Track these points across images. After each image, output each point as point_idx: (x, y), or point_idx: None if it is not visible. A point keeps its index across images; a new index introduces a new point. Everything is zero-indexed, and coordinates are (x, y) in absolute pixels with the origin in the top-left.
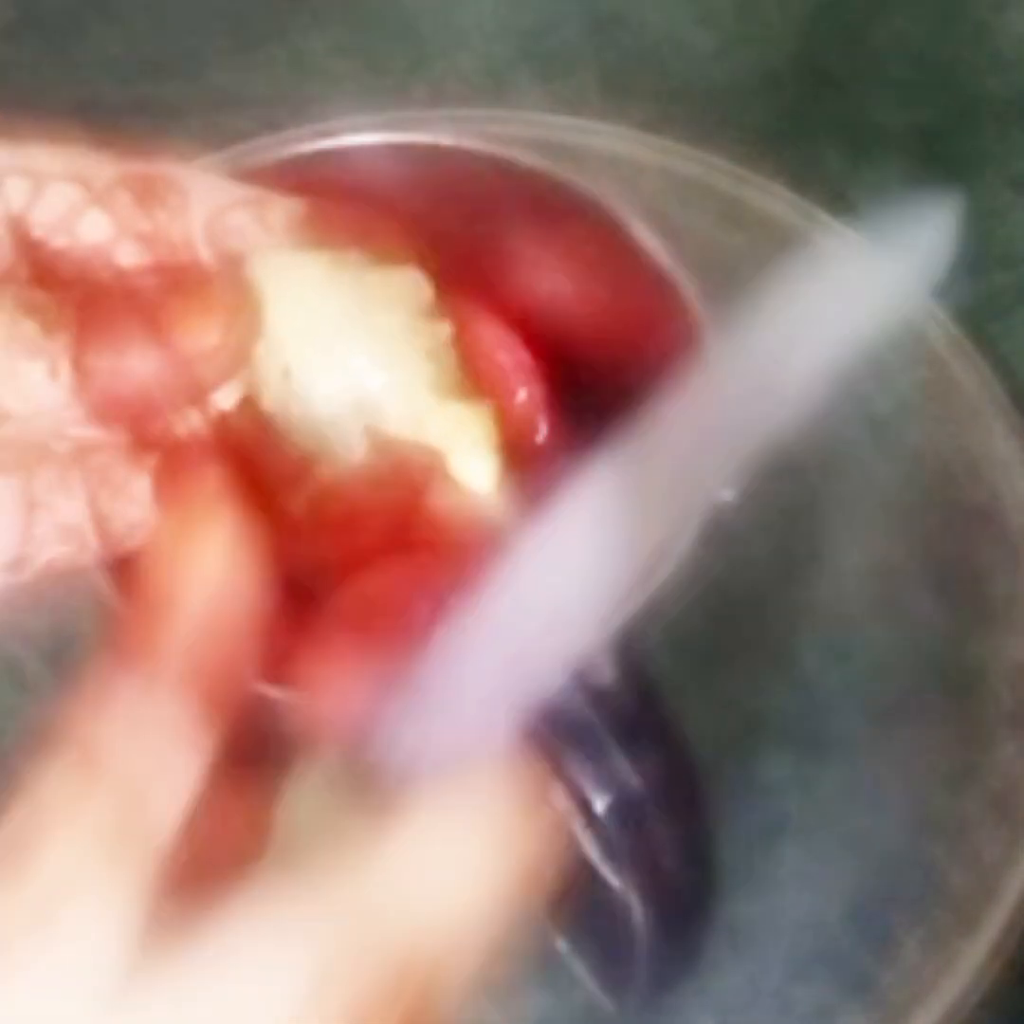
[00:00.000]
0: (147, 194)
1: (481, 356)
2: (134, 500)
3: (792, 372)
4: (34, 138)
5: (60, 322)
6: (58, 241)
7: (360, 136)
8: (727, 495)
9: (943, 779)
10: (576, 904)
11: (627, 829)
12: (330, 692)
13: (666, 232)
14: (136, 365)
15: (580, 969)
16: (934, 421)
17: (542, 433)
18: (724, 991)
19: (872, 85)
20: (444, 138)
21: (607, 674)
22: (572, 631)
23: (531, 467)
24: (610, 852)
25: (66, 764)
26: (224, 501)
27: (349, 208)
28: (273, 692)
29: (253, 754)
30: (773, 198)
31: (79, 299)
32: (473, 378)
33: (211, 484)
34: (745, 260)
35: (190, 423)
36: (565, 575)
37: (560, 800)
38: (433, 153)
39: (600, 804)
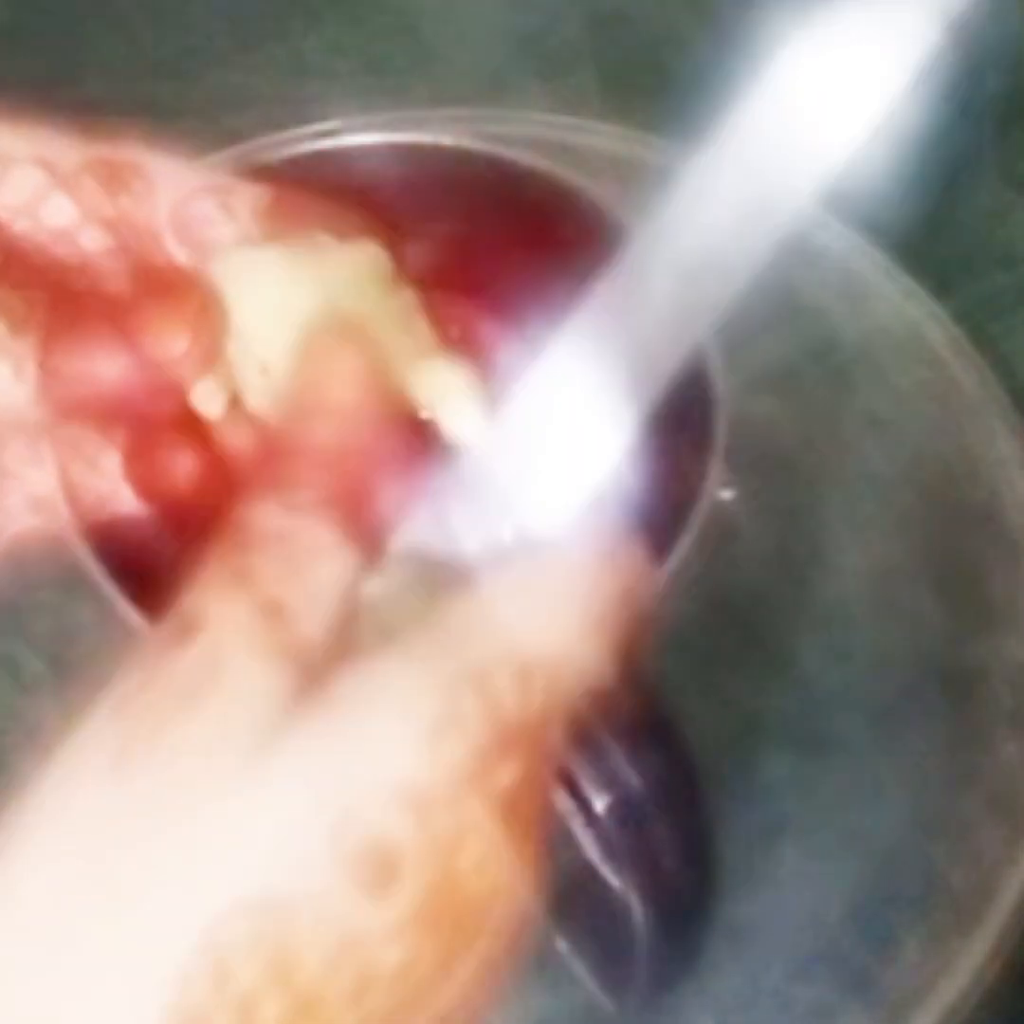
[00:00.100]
0: (112, 180)
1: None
2: (105, 474)
3: (779, 198)
4: None
5: (28, 322)
6: (21, 224)
7: (360, 136)
8: (727, 495)
9: (943, 779)
10: (576, 904)
11: (627, 829)
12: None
13: None
14: (103, 369)
15: (580, 969)
16: (934, 421)
17: None
18: (724, 991)
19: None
20: (444, 138)
21: (607, 674)
22: (586, 452)
23: None
24: (610, 852)
25: (217, 573)
26: (353, 338)
27: (313, 195)
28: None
29: None
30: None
31: (48, 299)
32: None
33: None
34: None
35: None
36: (571, 395)
37: (560, 800)
38: (433, 153)
39: (600, 804)
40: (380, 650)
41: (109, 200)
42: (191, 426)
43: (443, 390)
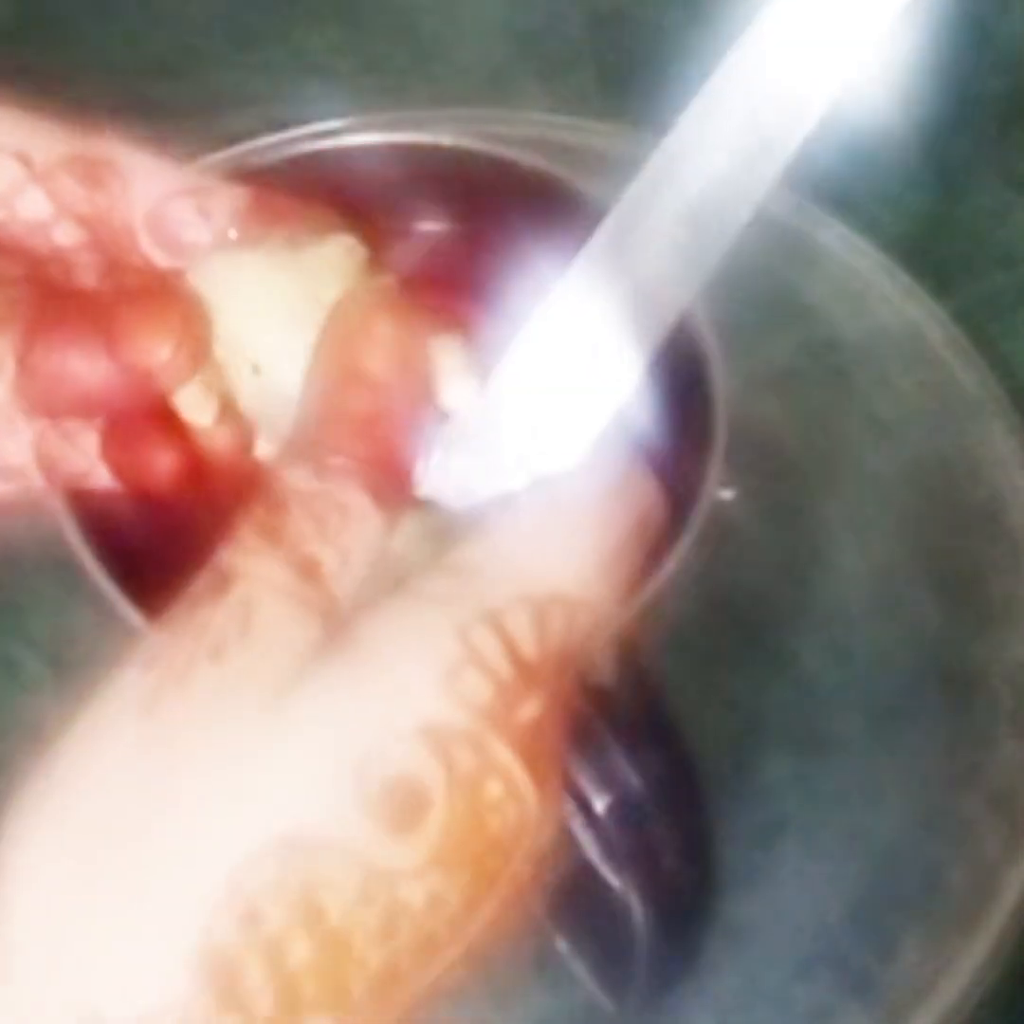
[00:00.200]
0: (88, 178)
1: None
2: (82, 451)
3: (776, 140)
4: None
5: (9, 319)
6: None
7: (360, 136)
8: (728, 494)
9: (943, 778)
10: (576, 904)
11: (627, 829)
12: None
13: None
14: (83, 371)
15: (580, 969)
16: (934, 421)
17: None
18: (723, 991)
19: (872, 84)
20: (444, 138)
21: (607, 674)
22: (594, 391)
23: None
24: (610, 852)
25: (251, 532)
26: (390, 302)
27: (290, 195)
28: None
29: None
30: (773, 198)
31: (31, 298)
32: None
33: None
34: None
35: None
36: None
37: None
38: (433, 153)
39: (600, 804)
40: (398, 595)
41: (84, 197)
42: (168, 421)
43: (436, 368)
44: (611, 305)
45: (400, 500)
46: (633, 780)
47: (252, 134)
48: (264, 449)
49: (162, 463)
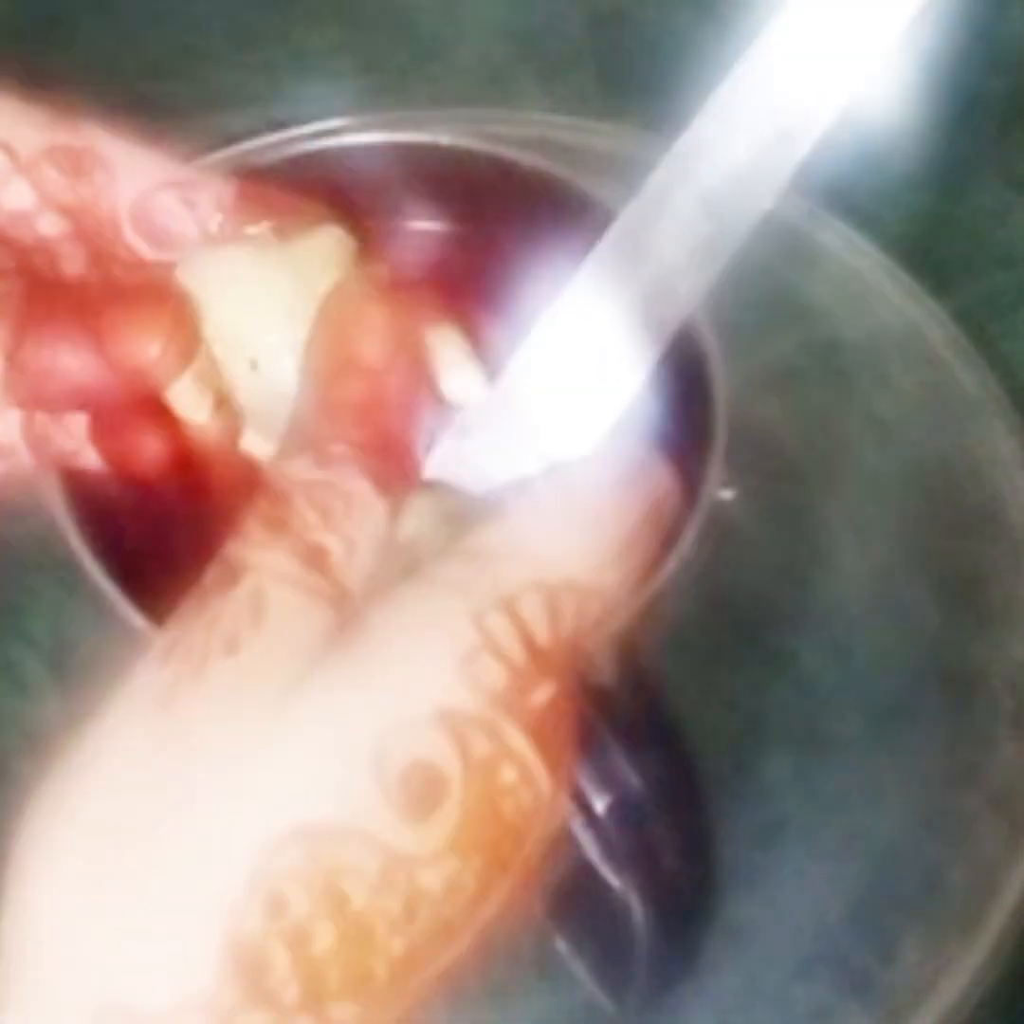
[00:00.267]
0: (72, 169)
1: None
2: (70, 433)
3: (794, 135)
4: None
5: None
6: None
7: (359, 135)
8: (727, 494)
9: (943, 778)
10: (576, 904)
11: (627, 829)
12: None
13: None
14: (71, 368)
15: (580, 969)
16: (934, 421)
17: None
18: (723, 991)
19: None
20: (444, 137)
21: (607, 674)
22: (608, 380)
23: None
24: (610, 852)
25: (257, 523)
26: (382, 290)
27: (276, 188)
28: None
29: None
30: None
31: (19, 292)
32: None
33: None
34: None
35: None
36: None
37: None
38: (433, 152)
39: (600, 804)
40: (410, 582)
41: (68, 188)
42: (157, 410)
43: (434, 358)
44: (628, 295)
45: (402, 486)
46: (633, 780)
47: (252, 134)
48: (261, 444)
49: (149, 450)
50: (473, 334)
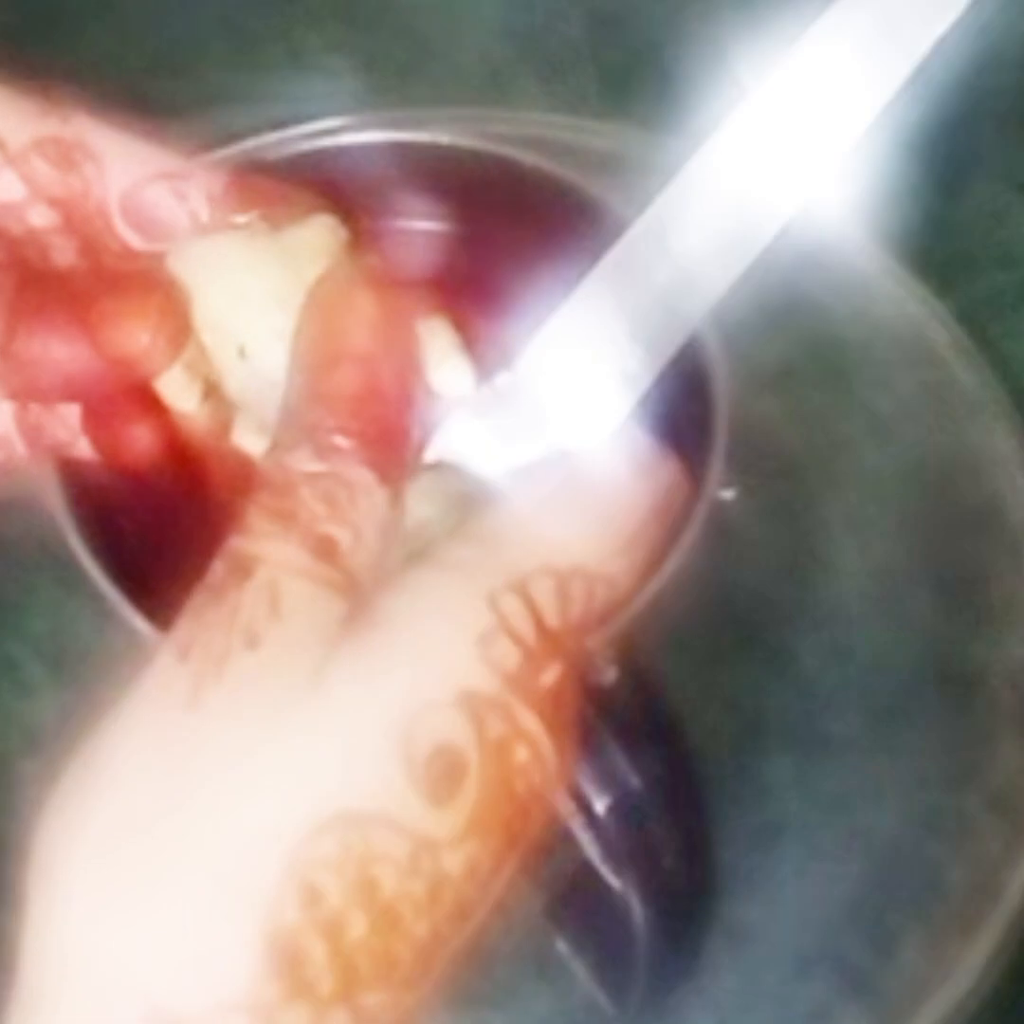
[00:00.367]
0: (62, 161)
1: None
2: (65, 423)
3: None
4: None
5: None
6: None
7: (359, 135)
8: (728, 494)
9: (943, 778)
10: (576, 904)
11: (627, 829)
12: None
13: None
14: (63, 360)
15: (580, 969)
16: (935, 421)
17: None
18: (723, 991)
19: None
20: (443, 137)
21: (607, 674)
22: (618, 371)
23: None
24: (610, 852)
25: (261, 517)
26: (371, 278)
27: (267, 178)
28: None
29: None
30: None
31: (10, 284)
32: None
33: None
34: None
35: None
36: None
37: (560, 800)
38: (433, 152)
39: (600, 804)
40: (423, 566)
41: (58, 180)
42: (149, 401)
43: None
44: (646, 289)
45: (400, 473)
46: (633, 780)
47: (251, 133)
48: (251, 432)
49: (141, 440)
50: (470, 331)
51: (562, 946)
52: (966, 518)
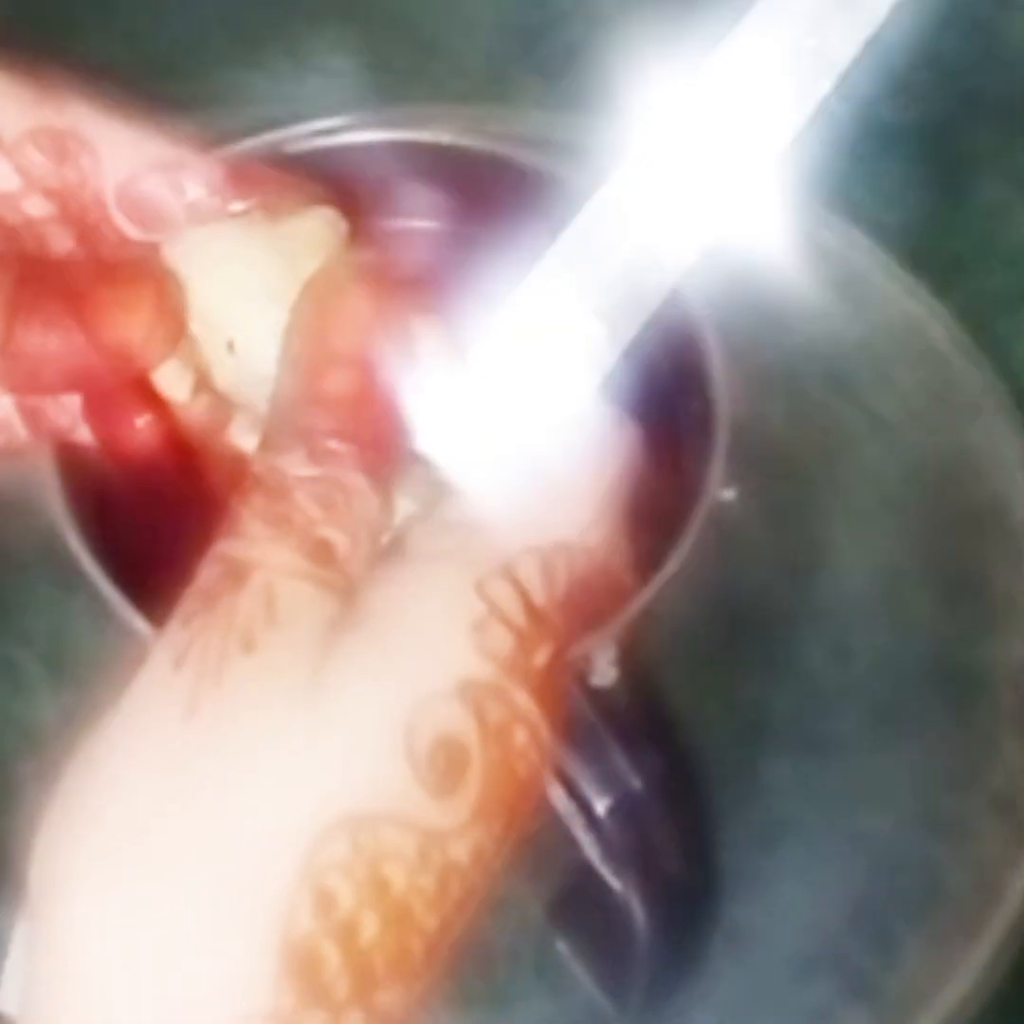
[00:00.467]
0: (56, 152)
1: None
2: (65, 408)
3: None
4: None
5: None
6: None
7: (360, 134)
8: (728, 494)
9: (945, 779)
10: (577, 906)
11: (627, 831)
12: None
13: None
14: (61, 354)
15: (580, 971)
16: (936, 420)
17: None
18: (724, 993)
19: (873, 84)
20: (445, 136)
21: (607, 674)
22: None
23: None
24: (610, 854)
25: (256, 520)
26: (365, 277)
27: (266, 167)
28: None
29: None
30: (773, 196)
31: (8, 277)
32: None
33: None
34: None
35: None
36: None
37: (560, 801)
38: (434, 151)
39: (601, 805)
40: (406, 559)
41: (52, 171)
42: (147, 392)
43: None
44: (605, 268)
45: (391, 476)
46: (633, 782)
47: (251, 132)
48: (248, 429)
49: (141, 432)
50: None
51: (562, 947)
52: (967, 518)
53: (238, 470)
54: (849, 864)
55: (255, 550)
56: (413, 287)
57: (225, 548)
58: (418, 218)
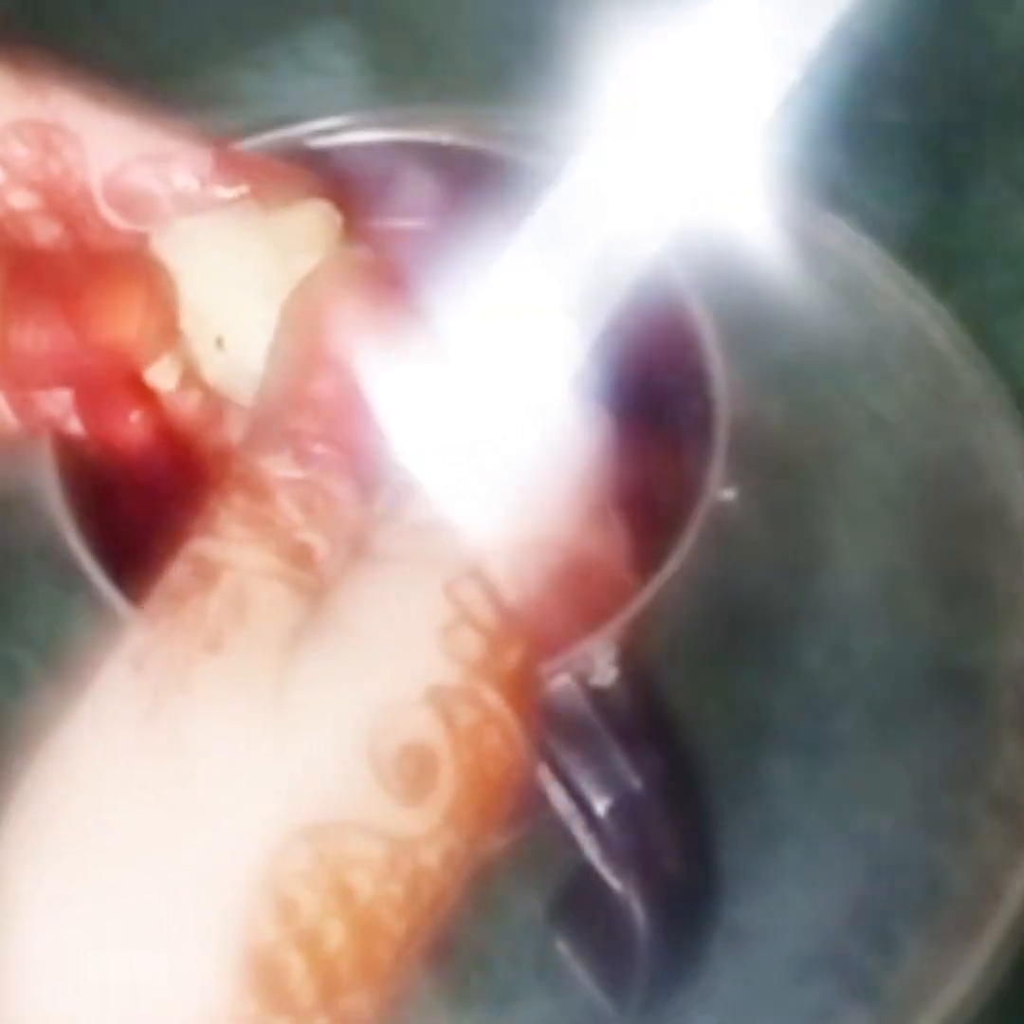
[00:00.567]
0: (41, 145)
1: None
2: (56, 400)
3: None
4: None
5: None
6: None
7: (361, 134)
8: (728, 494)
9: (945, 780)
10: (577, 906)
11: (627, 831)
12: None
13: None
14: (53, 352)
15: (580, 971)
16: (936, 420)
17: None
18: (724, 993)
19: (873, 84)
20: (445, 136)
21: (607, 674)
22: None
23: None
24: (610, 854)
25: (235, 521)
26: (358, 279)
27: (257, 155)
28: None
29: None
30: (774, 196)
31: (1, 277)
32: None
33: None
34: (747, 257)
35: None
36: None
37: (560, 801)
38: (434, 151)
39: (601, 806)
40: (373, 562)
41: (37, 164)
42: (139, 386)
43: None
44: (573, 260)
45: (374, 483)
46: (633, 782)
47: (252, 132)
48: (235, 421)
49: (135, 427)
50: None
51: (562, 947)
52: (967, 518)
53: (225, 470)
54: (849, 864)
55: (230, 551)
56: (409, 286)
57: (199, 548)
58: (416, 217)
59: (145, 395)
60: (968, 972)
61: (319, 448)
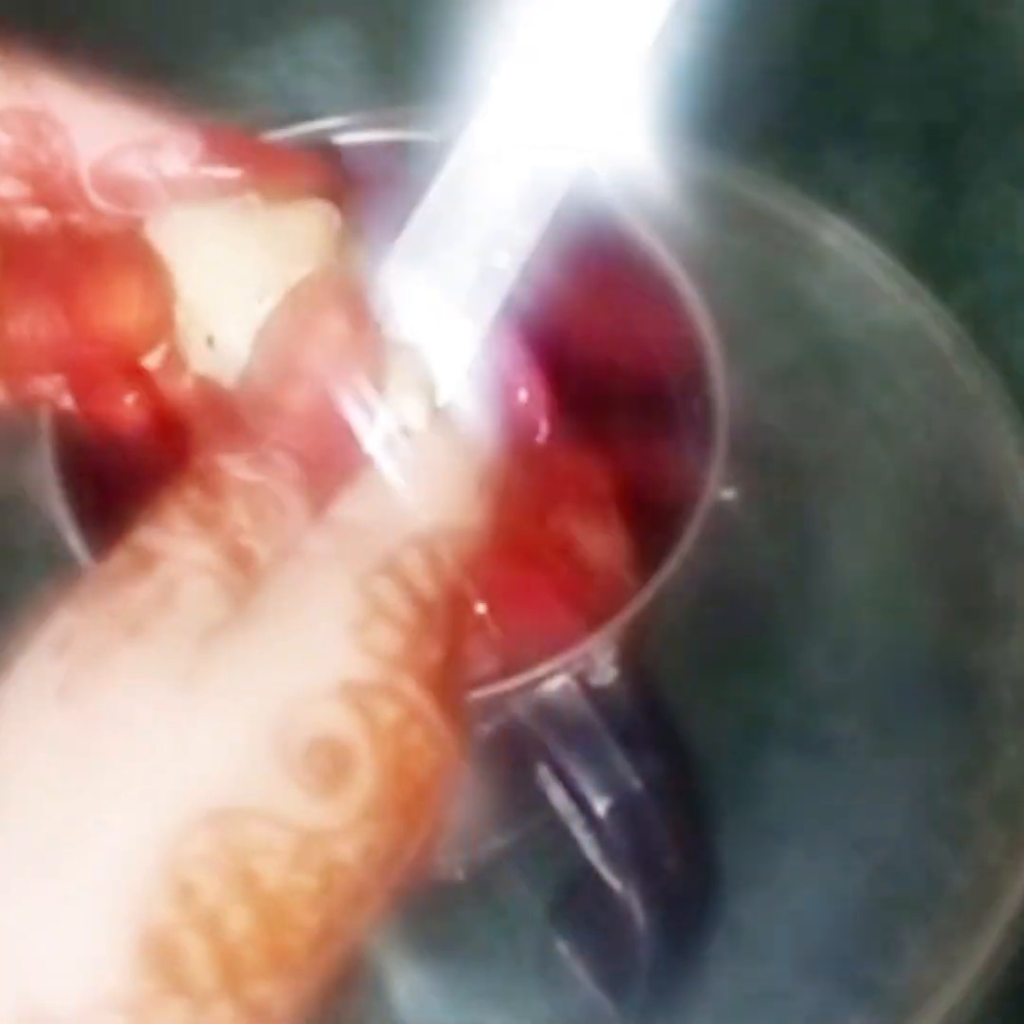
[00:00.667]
0: (28, 134)
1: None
2: (51, 380)
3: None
4: None
5: None
6: None
7: (359, 134)
8: (728, 494)
9: (945, 780)
10: (577, 906)
11: (628, 831)
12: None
13: (668, 231)
14: (49, 342)
15: (581, 971)
16: (936, 420)
17: (543, 434)
18: (724, 993)
19: (873, 84)
20: (444, 136)
21: (607, 674)
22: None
23: (532, 467)
24: (611, 854)
25: (181, 514)
26: (348, 294)
27: (251, 136)
28: None
29: None
30: (775, 197)
31: None
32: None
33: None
34: (746, 258)
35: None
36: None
37: (560, 801)
38: (434, 150)
39: (601, 806)
40: (294, 560)
41: (24, 153)
42: (135, 372)
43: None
44: (454, 255)
45: (326, 496)
46: (633, 782)
47: (252, 132)
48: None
49: (130, 408)
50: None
51: (563, 947)
52: (967, 518)
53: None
54: (849, 864)
55: (171, 543)
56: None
57: (143, 536)
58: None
59: (141, 379)
60: (968, 971)
61: (279, 457)
